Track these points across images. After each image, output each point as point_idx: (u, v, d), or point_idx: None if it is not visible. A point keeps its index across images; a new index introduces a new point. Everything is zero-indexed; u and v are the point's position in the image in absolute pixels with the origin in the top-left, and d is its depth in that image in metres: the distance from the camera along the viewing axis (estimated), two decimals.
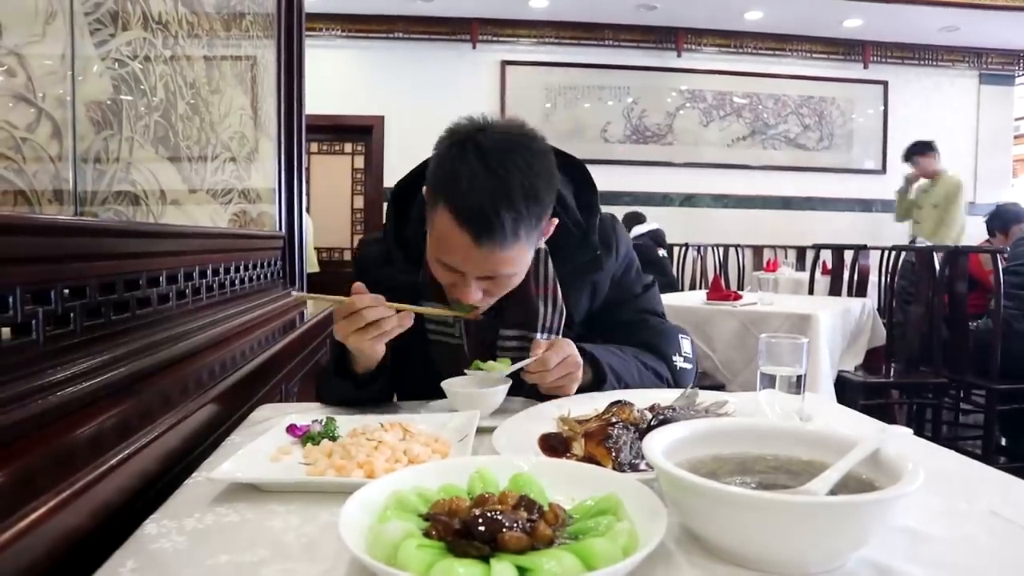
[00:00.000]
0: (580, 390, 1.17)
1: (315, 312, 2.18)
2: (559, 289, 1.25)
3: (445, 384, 1.14)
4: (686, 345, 1.35)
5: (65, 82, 1.00)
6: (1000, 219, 4.44)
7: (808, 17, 6.69)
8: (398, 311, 1.08)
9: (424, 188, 1.14)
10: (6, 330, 0.83)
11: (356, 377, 1.18)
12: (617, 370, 1.21)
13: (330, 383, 1.23)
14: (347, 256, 7.10)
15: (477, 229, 1.03)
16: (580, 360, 1.14)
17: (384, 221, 1.33)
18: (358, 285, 1.08)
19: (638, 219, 5.89)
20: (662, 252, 5.57)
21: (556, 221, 1.19)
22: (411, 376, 1.26)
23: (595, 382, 1.20)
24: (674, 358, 1.31)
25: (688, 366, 1.33)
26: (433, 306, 1.20)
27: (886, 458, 0.66)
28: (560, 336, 1.24)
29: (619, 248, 1.34)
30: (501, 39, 6.94)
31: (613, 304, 1.35)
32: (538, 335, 1.23)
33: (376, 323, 1.05)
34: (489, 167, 1.03)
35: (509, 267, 1.10)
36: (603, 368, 1.19)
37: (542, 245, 1.23)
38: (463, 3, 6.51)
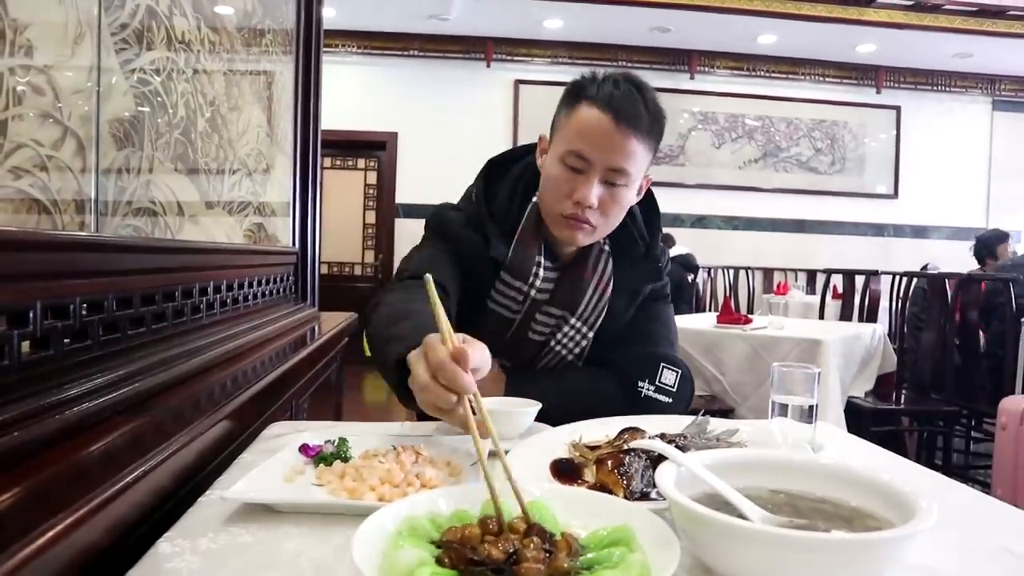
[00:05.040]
0: None
1: (327, 328, 2.19)
2: (610, 288, 1.32)
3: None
4: (668, 377, 1.29)
5: (90, 100, 1.02)
6: (986, 246, 4.58)
7: (821, 41, 6.72)
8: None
9: (540, 138, 1.31)
10: (25, 344, 0.84)
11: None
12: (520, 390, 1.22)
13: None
14: (357, 271, 7.14)
15: (619, 111, 1.16)
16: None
17: (472, 193, 1.38)
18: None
19: (668, 242, 5.89)
20: (690, 277, 5.54)
21: (651, 178, 1.31)
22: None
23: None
24: (641, 384, 1.27)
25: (663, 398, 1.27)
26: (501, 291, 1.29)
27: (899, 493, 0.66)
28: (592, 331, 1.32)
29: (663, 268, 1.43)
30: (515, 58, 7.00)
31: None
32: (572, 320, 1.30)
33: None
34: (629, 80, 1.21)
35: (632, 163, 1.19)
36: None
37: (606, 249, 1.33)
38: (478, 22, 6.57)
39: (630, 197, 1.25)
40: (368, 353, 1.11)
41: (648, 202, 1.38)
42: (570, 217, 1.22)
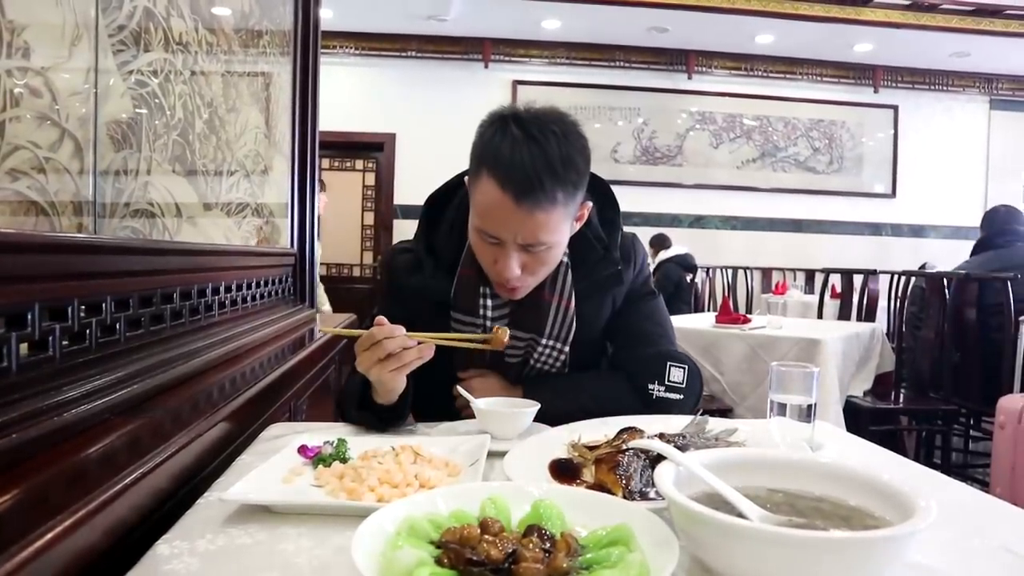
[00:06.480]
0: None
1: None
2: (573, 302, 1.29)
3: (475, 403, 1.16)
4: (676, 374, 1.29)
5: (88, 102, 1.02)
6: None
7: (818, 41, 6.72)
8: (420, 342, 1.10)
9: (465, 178, 1.23)
10: (23, 346, 0.84)
11: (379, 410, 1.18)
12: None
13: (351, 411, 1.23)
14: (356, 272, 7.13)
15: (518, 189, 1.09)
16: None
17: (415, 230, 1.38)
18: (380, 318, 1.11)
19: (664, 243, 5.87)
20: (689, 277, 5.54)
21: (590, 205, 1.26)
22: (428, 381, 1.24)
23: None
24: (651, 387, 1.27)
25: (675, 396, 1.28)
26: (458, 330, 1.27)
27: (897, 492, 0.66)
28: (567, 346, 1.29)
29: (637, 264, 1.39)
30: (513, 59, 7.00)
31: (618, 315, 1.37)
32: (544, 340, 1.28)
33: (396, 355, 1.08)
34: (529, 134, 1.12)
35: (547, 233, 1.14)
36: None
37: (565, 260, 1.28)
38: (476, 23, 6.57)
39: (558, 251, 1.21)
40: (344, 417, 1.28)
41: (602, 197, 1.33)
42: (500, 283, 1.22)
